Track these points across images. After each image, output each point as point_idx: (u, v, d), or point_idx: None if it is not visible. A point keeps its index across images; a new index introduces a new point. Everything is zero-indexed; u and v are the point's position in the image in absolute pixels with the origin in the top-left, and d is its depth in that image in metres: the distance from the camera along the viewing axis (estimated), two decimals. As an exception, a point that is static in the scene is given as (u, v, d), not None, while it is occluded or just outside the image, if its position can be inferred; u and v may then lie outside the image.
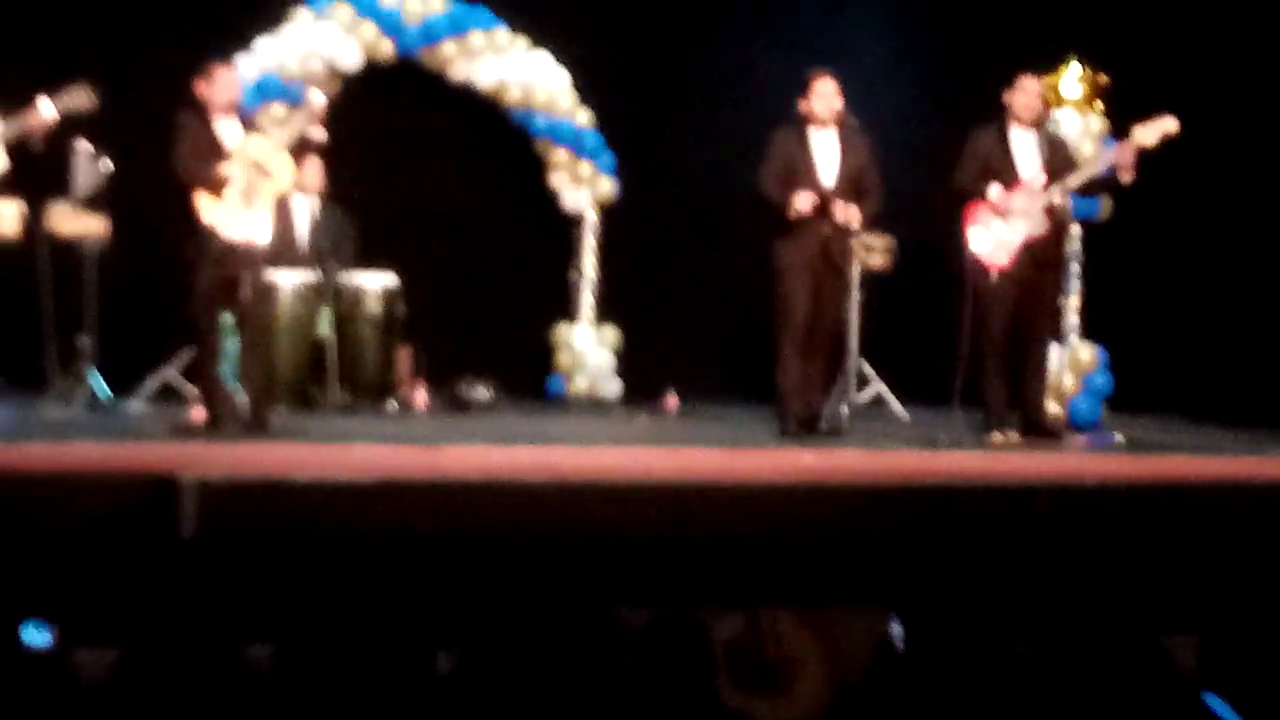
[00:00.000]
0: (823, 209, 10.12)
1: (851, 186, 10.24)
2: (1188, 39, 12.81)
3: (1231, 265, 12.60)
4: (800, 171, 10.20)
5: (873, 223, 10.74)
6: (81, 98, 9.42)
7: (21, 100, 9.26)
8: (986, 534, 7.07)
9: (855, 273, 11.63)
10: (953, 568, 6.97)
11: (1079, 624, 6.77)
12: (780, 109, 10.54)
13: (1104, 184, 10.55)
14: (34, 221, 11.08)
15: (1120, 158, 10.20)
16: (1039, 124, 10.53)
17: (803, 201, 10.08)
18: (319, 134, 9.95)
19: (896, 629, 6.33)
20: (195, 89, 9.73)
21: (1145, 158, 10.14)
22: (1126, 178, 10.21)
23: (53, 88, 9.34)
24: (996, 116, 10.46)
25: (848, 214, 10.16)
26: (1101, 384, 12.54)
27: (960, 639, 6.45)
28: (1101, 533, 7.22)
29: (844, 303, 10.66)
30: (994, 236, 10.26)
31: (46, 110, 9.24)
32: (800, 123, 10.32)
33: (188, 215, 9.53)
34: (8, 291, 10.06)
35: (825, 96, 10.27)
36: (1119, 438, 10.78)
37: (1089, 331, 12.73)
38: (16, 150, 9.26)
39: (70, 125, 9.61)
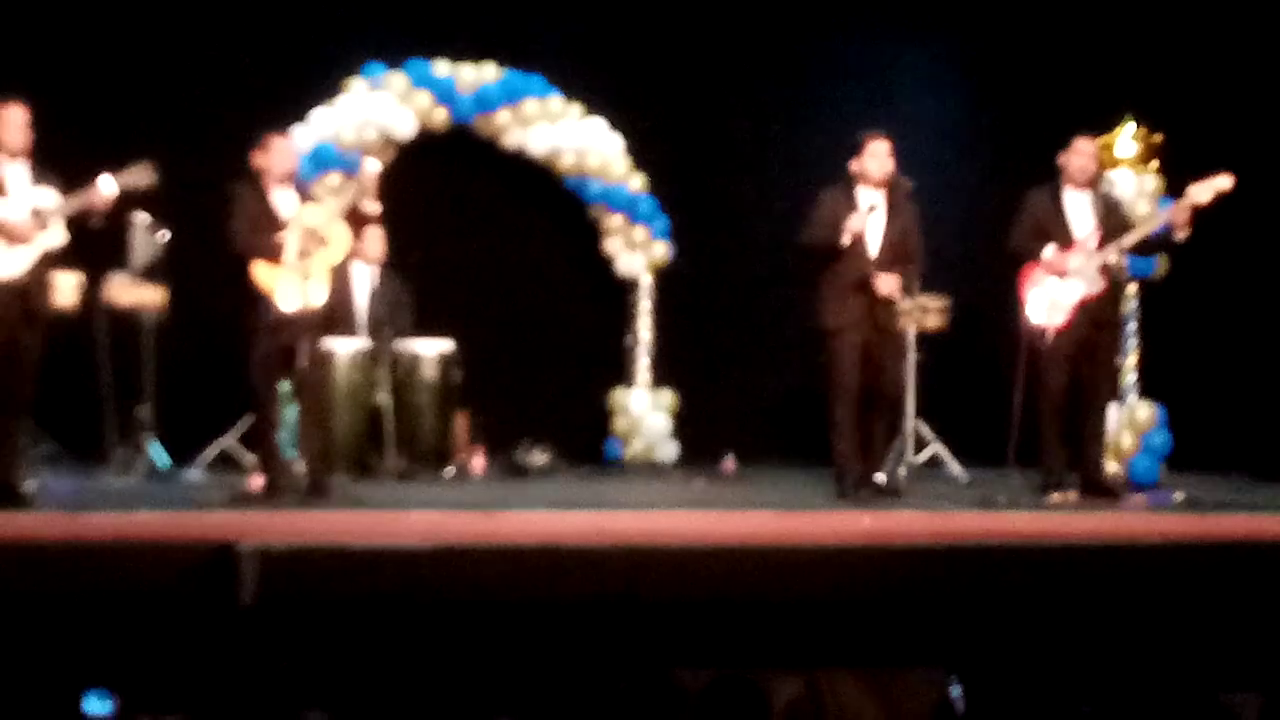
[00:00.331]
0: (864, 284, 10.12)
1: (897, 248, 10.23)
2: (1242, 97, 12.79)
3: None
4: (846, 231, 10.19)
5: (917, 287, 10.73)
6: (143, 176, 9.48)
7: (83, 175, 9.33)
8: (1046, 594, 7.03)
9: (911, 334, 11.61)
10: (1013, 628, 6.93)
11: (1141, 683, 6.74)
12: (832, 172, 10.55)
13: (1159, 243, 10.51)
14: (92, 292, 11.17)
15: (1175, 216, 10.18)
16: (1093, 184, 10.51)
17: (855, 222, 10.06)
18: (373, 207, 9.99)
19: (956, 690, 6.31)
20: (251, 160, 9.80)
21: (1200, 215, 10.11)
22: (1182, 236, 10.18)
23: (113, 162, 9.41)
24: (1050, 178, 10.45)
25: (889, 287, 10.14)
26: (1160, 443, 12.48)
27: (1021, 700, 6.43)
28: (1162, 591, 7.17)
29: (899, 363, 10.62)
30: (1050, 297, 10.24)
31: (107, 187, 9.30)
32: (849, 183, 10.32)
33: (245, 285, 9.59)
34: (67, 362, 10.12)
35: (878, 157, 10.27)
36: (1178, 496, 10.71)
37: (1147, 390, 12.69)
38: (76, 224, 9.33)
39: (128, 198, 9.67)
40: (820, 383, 10.45)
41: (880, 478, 10.45)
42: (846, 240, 10.07)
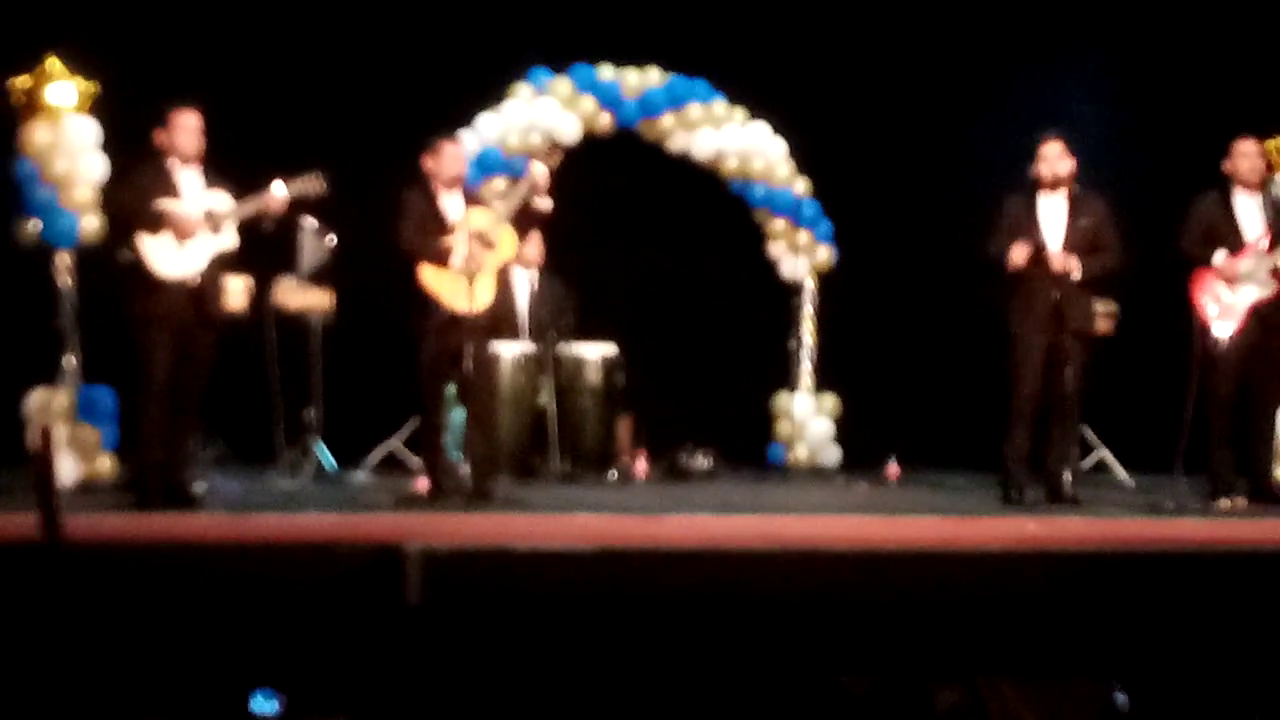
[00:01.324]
0: (1043, 265, 10.04)
1: (1082, 248, 10.10)
2: None
3: None
4: (1027, 235, 10.11)
5: (1105, 280, 10.61)
6: (315, 185, 9.62)
7: (254, 180, 9.46)
8: (1214, 602, 6.94)
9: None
10: (1180, 637, 6.85)
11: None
12: (998, 174, 10.49)
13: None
14: (261, 296, 11.31)
15: None
16: (1262, 186, 10.39)
17: (1018, 254, 10.01)
18: (545, 204, 10.04)
19: (1121, 699, 6.24)
20: (422, 163, 9.89)
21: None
22: None
23: (285, 167, 9.54)
24: (1219, 181, 10.33)
25: (1066, 263, 10.04)
26: (1330, 449, 12.27)
27: (1188, 710, 6.35)
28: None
29: (1082, 366, 10.51)
30: (1221, 302, 10.13)
31: (279, 192, 9.43)
32: (1030, 188, 10.25)
33: (412, 288, 9.67)
34: (236, 364, 10.25)
35: (1050, 160, 10.18)
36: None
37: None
38: (245, 228, 9.46)
39: (298, 203, 9.79)
40: (984, 387, 10.39)
41: (1068, 479, 10.34)
42: (1013, 265, 10.01)
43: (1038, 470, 10.35)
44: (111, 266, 9.36)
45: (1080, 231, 10.14)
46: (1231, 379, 10.15)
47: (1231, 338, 10.10)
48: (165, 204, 9.18)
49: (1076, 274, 10.10)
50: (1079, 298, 10.18)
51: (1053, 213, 10.19)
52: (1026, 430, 10.20)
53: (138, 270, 9.16)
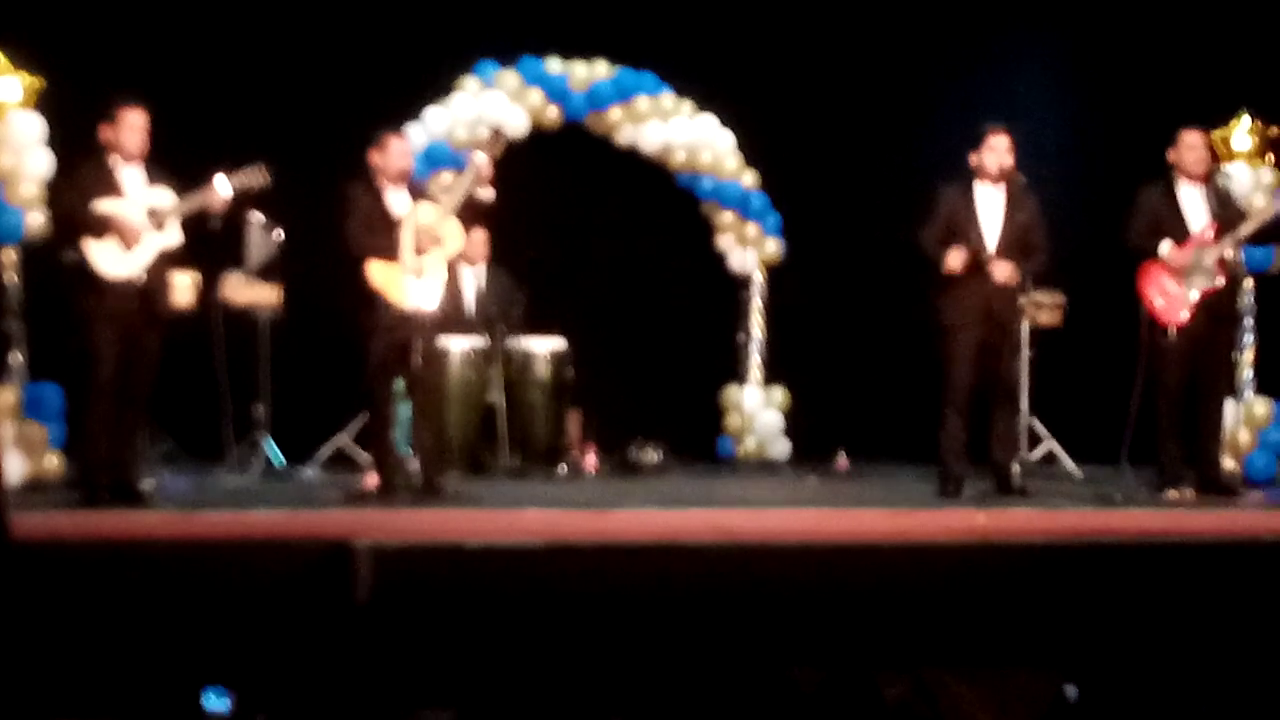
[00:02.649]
0: (980, 268, 10.10)
1: (1016, 244, 10.19)
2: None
3: None
4: (963, 228, 10.17)
5: (1040, 279, 10.68)
6: (257, 177, 9.58)
7: (198, 177, 9.42)
8: (1163, 593, 6.98)
9: (1025, 330, 11.56)
10: (1129, 628, 6.88)
11: (1262, 685, 6.68)
12: (946, 166, 10.52)
13: (1275, 232, 10.43)
14: (208, 292, 11.28)
15: (1270, 214, 10.16)
16: (1206, 177, 10.44)
17: (954, 259, 10.06)
18: (487, 194, 10.02)
19: (1071, 691, 6.27)
20: (369, 158, 9.87)
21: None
22: None
23: (229, 163, 9.50)
24: (1165, 172, 10.38)
25: (1005, 273, 10.11)
26: (1277, 439, 12.34)
27: (1138, 701, 6.38)
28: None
29: (1015, 360, 10.57)
30: (1168, 293, 10.18)
31: (223, 188, 9.40)
32: (968, 178, 10.29)
33: (359, 284, 9.65)
34: (184, 361, 10.21)
35: (998, 151, 10.23)
36: (1297, 493, 10.65)
37: (1264, 386, 12.53)
38: (192, 224, 9.42)
39: (244, 198, 9.76)
40: (933, 379, 10.43)
41: (1016, 470, 10.40)
42: (947, 269, 10.07)
43: (985, 462, 10.40)
44: (57, 265, 9.33)
45: (1016, 226, 10.19)
46: (1180, 370, 10.20)
47: (1179, 329, 10.15)
48: (108, 207, 9.15)
49: (1015, 283, 10.19)
50: (1010, 292, 10.24)
51: (990, 205, 10.23)
52: (962, 422, 10.26)
53: (83, 270, 9.13)
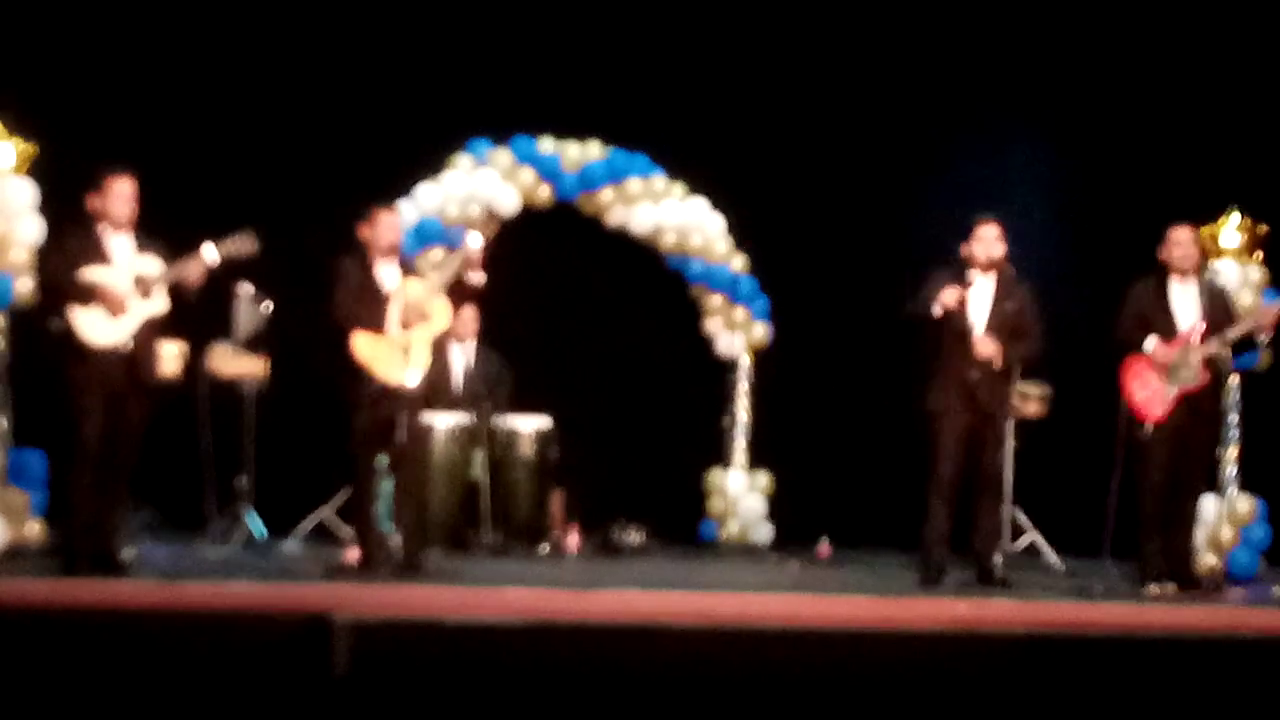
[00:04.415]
0: (965, 346, 10.12)
1: (1004, 331, 10.21)
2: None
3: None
4: (952, 316, 10.18)
5: (1030, 366, 10.70)
6: (245, 244, 9.58)
7: (189, 246, 9.43)
8: (1143, 688, 6.97)
9: (1010, 421, 11.58)
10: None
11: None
12: (935, 254, 10.55)
13: (1244, 341, 10.45)
14: (195, 362, 11.27)
15: (1262, 319, 10.20)
16: (1198, 273, 10.46)
17: (949, 296, 10.06)
18: (477, 278, 10.05)
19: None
20: (358, 232, 9.89)
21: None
22: (1265, 337, 10.22)
23: (220, 233, 9.51)
24: (1156, 269, 10.41)
25: (989, 349, 10.13)
26: (1260, 536, 12.35)
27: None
28: (1261, 686, 7.09)
29: (999, 450, 10.58)
30: (1151, 389, 10.20)
31: (210, 255, 9.41)
32: (959, 267, 10.32)
33: (346, 357, 9.66)
34: (168, 430, 10.20)
35: (986, 242, 10.28)
36: (1278, 590, 10.63)
37: (1247, 483, 12.55)
38: (179, 293, 9.43)
39: (233, 267, 9.77)
40: (918, 467, 10.43)
41: (998, 561, 10.40)
42: (938, 310, 10.07)
43: (967, 552, 10.39)
44: (44, 332, 9.32)
45: (1005, 315, 10.22)
46: (1161, 466, 10.21)
47: (1160, 425, 10.16)
48: (95, 276, 9.16)
49: (998, 361, 10.19)
50: (997, 381, 10.26)
51: (980, 294, 10.26)
52: (946, 510, 10.27)
53: (69, 338, 9.13)
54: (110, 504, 9.39)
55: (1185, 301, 10.36)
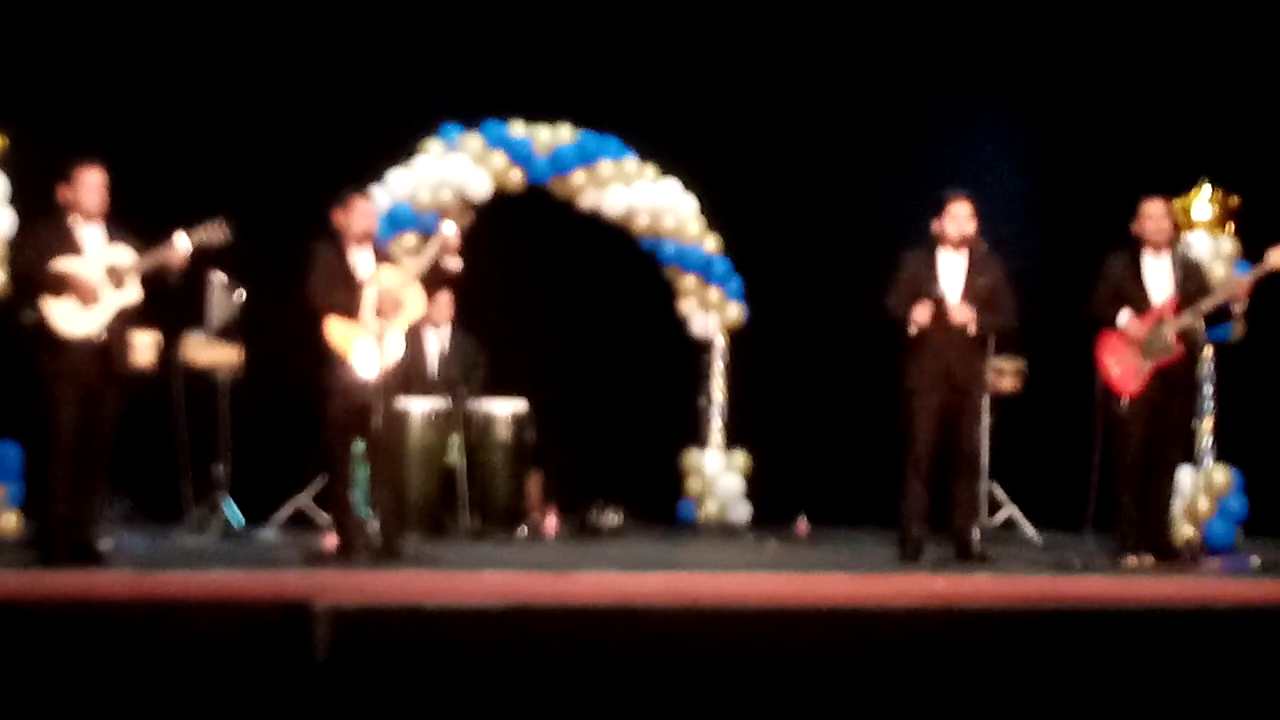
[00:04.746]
0: (941, 320, 10.12)
1: (978, 307, 10.21)
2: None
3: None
4: (926, 292, 10.19)
5: (1001, 344, 10.70)
6: (218, 232, 9.55)
7: (161, 235, 9.40)
8: (1121, 659, 6.98)
9: (986, 396, 11.60)
10: (1087, 694, 6.88)
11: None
12: (908, 231, 10.56)
13: (1219, 311, 10.46)
14: (169, 351, 11.25)
15: (1235, 289, 10.19)
16: (1171, 246, 10.46)
17: (921, 314, 10.09)
18: (455, 264, 10.03)
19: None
20: (332, 218, 9.87)
21: (1276, 279, 10.09)
22: (1239, 308, 10.22)
23: (192, 222, 9.48)
24: (1128, 242, 10.42)
25: (965, 315, 10.13)
26: (1236, 507, 12.39)
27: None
28: (1240, 657, 7.11)
29: (975, 425, 10.59)
30: (1125, 362, 10.21)
31: (182, 244, 9.38)
32: (930, 244, 10.32)
33: (320, 344, 9.64)
34: (143, 420, 10.18)
35: (959, 219, 10.28)
36: (1255, 561, 10.67)
37: (1223, 454, 12.58)
38: (151, 283, 9.40)
39: (205, 256, 9.75)
40: (894, 444, 10.44)
41: (976, 536, 10.42)
42: (914, 331, 10.11)
43: (945, 527, 10.41)
44: (17, 324, 9.29)
45: (979, 289, 10.22)
46: (1136, 439, 10.22)
47: (1134, 398, 10.18)
48: (67, 266, 9.13)
49: (973, 327, 10.19)
50: (972, 357, 10.27)
51: (953, 269, 10.28)
52: (923, 487, 10.27)
53: (42, 329, 9.10)
54: (87, 495, 9.36)
55: (1158, 274, 10.36)
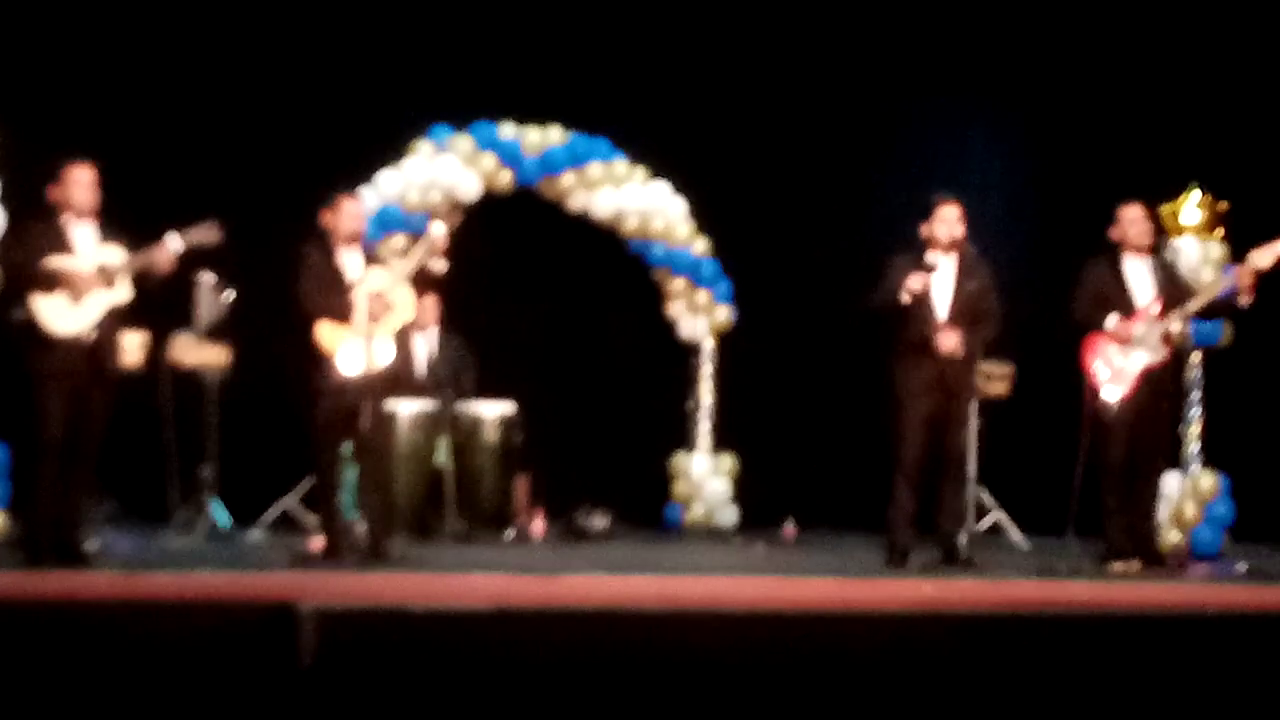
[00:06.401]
0: (930, 334, 10.12)
1: (967, 313, 10.21)
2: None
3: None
4: (915, 299, 10.17)
5: (990, 348, 10.70)
6: (209, 234, 9.53)
7: (151, 235, 9.39)
8: (1107, 665, 6.98)
9: (974, 400, 11.61)
10: (1073, 700, 6.89)
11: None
12: (897, 235, 10.55)
13: (1223, 307, 10.45)
14: (157, 352, 11.24)
15: (1239, 281, 10.14)
16: (1152, 250, 10.47)
17: (915, 281, 10.06)
18: (440, 266, 10.03)
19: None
20: (321, 219, 9.86)
21: (1264, 282, 10.08)
22: (1245, 301, 10.14)
23: (182, 222, 9.47)
24: (1107, 248, 10.41)
25: (951, 344, 10.12)
26: (1223, 512, 12.40)
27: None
28: (1227, 663, 7.11)
29: (962, 430, 10.58)
30: (1113, 366, 10.21)
31: (173, 244, 9.37)
32: (920, 247, 10.31)
33: (309, 346, 9.63)
34: (131, 421, 10.16)
35: (948, 222, 10.26)
36: (1241, 566, 10.67)
37: (1210, 459, 12.60)
38: (143, 282, 9.38)
39: (194, 257, 9.74)
40: (882, 448, 10.44)
41: (963, 541, 10.42)
42: (905, 298, 10.07)
43: (931, 532, 10.40)
44: (5, 323, 9.28)
45: (967, 295, 10.21)
46: (1123, 443, 10.21)
47: (1122, 402, 10.18)
48: (57, 262, 9.11)
49: (960, 354, 10.18)
50: (961, 363, 10.25)
51: (941, 275, 10.25)
52: (912, 493, 10.25)
53: (32, 328, 9.08)
54: (74, 495, 9.34)
55: (1140, 278, 10.36)
